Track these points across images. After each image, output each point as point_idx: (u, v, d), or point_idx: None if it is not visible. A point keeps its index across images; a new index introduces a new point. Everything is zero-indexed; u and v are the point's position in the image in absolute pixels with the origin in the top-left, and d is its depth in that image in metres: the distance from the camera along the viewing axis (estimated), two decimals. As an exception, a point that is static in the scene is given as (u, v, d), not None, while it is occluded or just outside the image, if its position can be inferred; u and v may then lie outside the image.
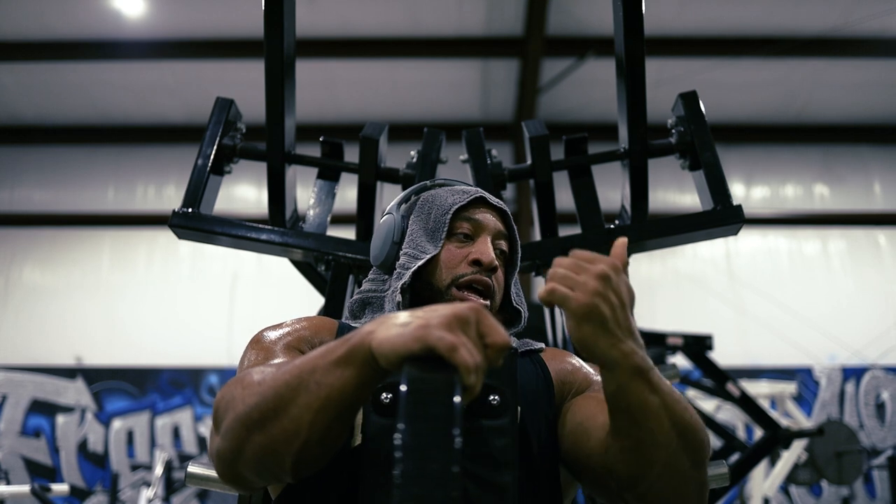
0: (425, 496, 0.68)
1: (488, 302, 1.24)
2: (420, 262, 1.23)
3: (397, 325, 0.82)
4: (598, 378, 1.22)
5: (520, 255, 1.36)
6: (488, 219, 1.28)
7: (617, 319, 0.90)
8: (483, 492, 1.00)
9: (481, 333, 0.81)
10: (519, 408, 1.15)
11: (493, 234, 1.28)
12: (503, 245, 1.30)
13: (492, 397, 1.02)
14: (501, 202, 1.33)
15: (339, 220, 2.24)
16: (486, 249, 1.24)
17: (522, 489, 1.10)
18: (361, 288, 1.35)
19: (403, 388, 0.75)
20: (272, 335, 1.18)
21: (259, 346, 1.15)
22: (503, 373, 1.07)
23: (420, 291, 1.25)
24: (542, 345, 1.34)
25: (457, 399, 0.73)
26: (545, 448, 1.17)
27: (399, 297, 1.23)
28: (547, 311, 2.19)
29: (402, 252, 1.27)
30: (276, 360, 1.09)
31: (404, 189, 2.08)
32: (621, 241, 0.96)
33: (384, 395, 0.97)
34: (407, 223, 1.31)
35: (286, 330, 1.19)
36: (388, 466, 0.72)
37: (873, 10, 7.25)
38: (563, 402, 1.23)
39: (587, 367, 1.29)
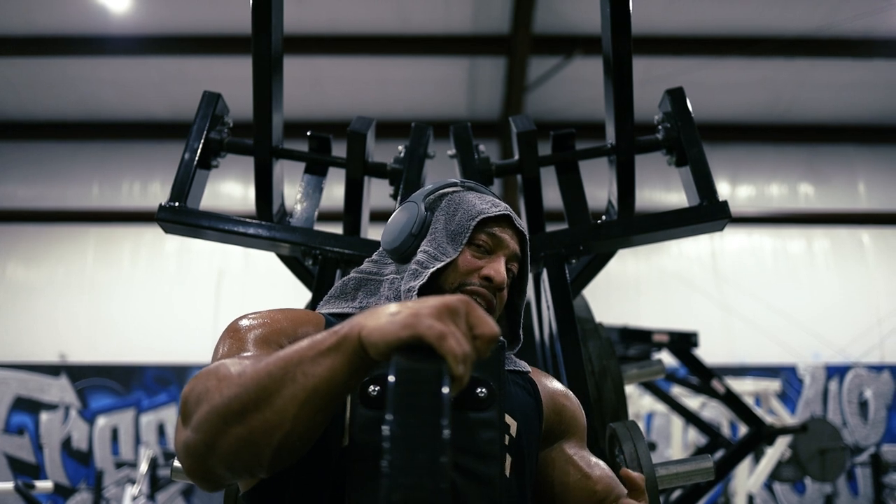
0: (414, 486, 0.68)
1: None
2: (440, 265, 1.22)
3: (387, 314, 0.82)
4: (580, 422, 1.32)
5: (528, 281, 1.35)
6: (508, 239, 1.27)
7: None
8: (469, 483, 1.01)
9: (470, 325, 0.81)
10: (515, 423, 1.17)
11: (509, 255, 1.27)
12: (514, 268, 1.29)
13: (479, 390, 1.03)
14: (524, 225, 1.33)
15: (325, 217, 2.23)
16: (499, 268, 1.23)
17: (515, 500, 1.12)
18: (360, 267, 1.33)
19: (392, 378, 0.75)
20: (248, 325, 1.13)
21: (235, 337, 1.11)
22: (490, 366, 1.07)
23: (425, 289, 1.23)
24: (528, 367, 1.35)
25: (445, 389, 0.73)
26: (533, 465, 1.21)
27: (416, 296, 1.19)
28: (534, 309, 2.20)
29: (421, 248, 1.25)
30: (252, 353, 1.05)
31: (392, 184, 2.07)
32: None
33: (372, 387, 0.97)
34: (429, 218, 1.29)
35: (264, 321, 1.15)
36: (377, 458, 0.72)
37: (858, 10, 7.30)
38: (550, 431, 1.28)
39: (571, 403, 1.34)
